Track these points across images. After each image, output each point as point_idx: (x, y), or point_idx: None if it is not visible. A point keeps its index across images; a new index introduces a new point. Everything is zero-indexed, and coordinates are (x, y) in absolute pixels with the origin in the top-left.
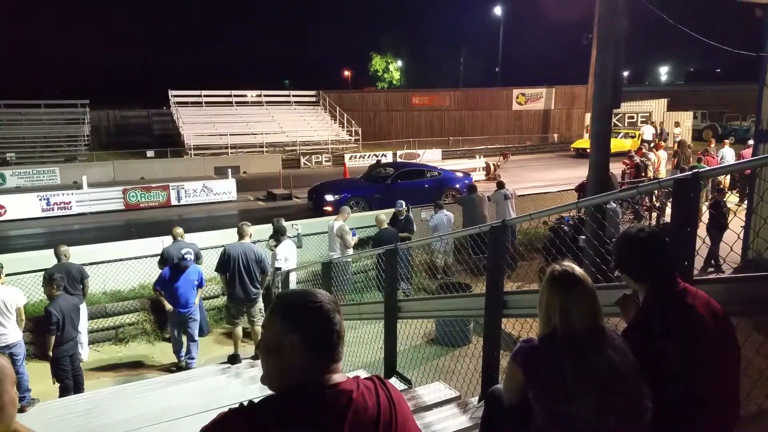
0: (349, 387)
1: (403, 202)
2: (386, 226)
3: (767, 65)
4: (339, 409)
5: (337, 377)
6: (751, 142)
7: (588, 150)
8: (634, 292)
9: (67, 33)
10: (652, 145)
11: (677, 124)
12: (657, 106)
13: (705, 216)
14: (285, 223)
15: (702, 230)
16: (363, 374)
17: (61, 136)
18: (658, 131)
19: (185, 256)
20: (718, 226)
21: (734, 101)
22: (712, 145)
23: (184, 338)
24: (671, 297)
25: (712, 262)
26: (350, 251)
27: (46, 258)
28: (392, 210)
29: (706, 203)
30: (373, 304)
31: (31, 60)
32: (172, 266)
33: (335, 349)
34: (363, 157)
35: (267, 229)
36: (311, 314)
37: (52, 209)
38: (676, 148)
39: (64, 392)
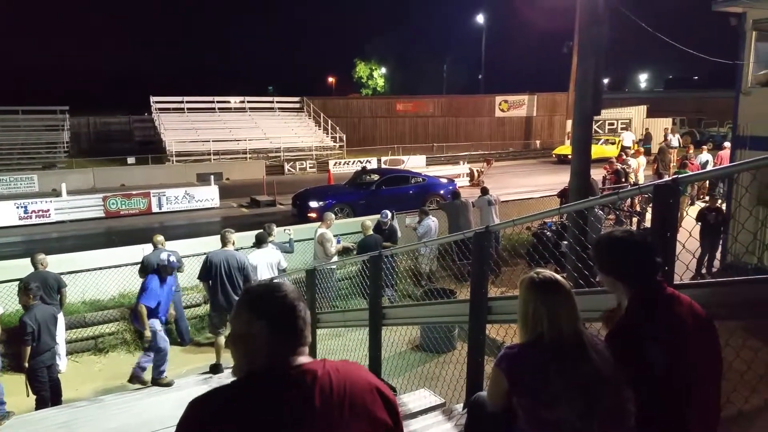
0: (314, 367)
1: (389, 213)
2: (371, 232)
3: (743, 73)
4: (304, 388)
5: (303, 359)
6: (726, 144)
7: (569, 156)
8: (619, 304)
9: (47, 38)
10: (632, 151)
11: (673, 131)
12: (637, 113)
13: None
14: (277, 228)
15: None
16: None
17: (39, 142)
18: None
19: (170, 259)
20: (707, 233)
21: (712, 108)
22: (691, 151)
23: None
24: (657, 301)
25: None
26: (334, 258)
27: (22, 267)
28: (377, 216)
29: (687, 207)
30: (357, 311)
31: (9, 65)
32: (158, 273)
33: (301, 332)
34: (347, 164)
35: (250, 237)
36: (276, 302)
37: (30, 217)
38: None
39: (40, 404)
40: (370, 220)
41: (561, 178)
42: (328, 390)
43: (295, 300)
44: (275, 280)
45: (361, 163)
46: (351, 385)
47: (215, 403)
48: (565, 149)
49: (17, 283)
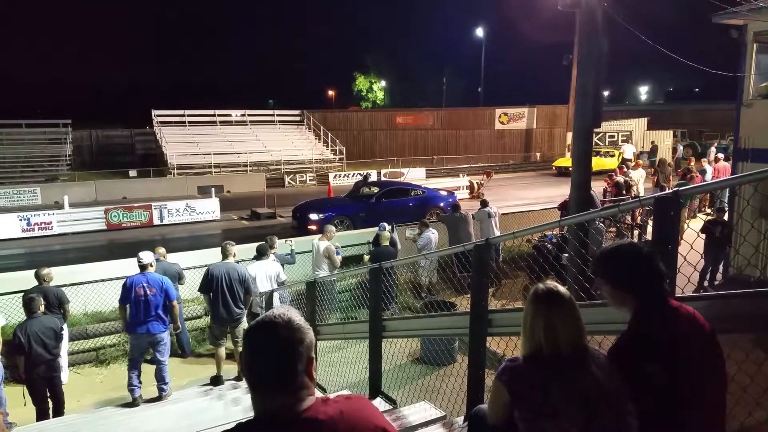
0: (315, 415)
1: (386, 225)
2: (387, 243)
3: (744, 85)
4: None
5: (304, 404)
6: (720, 155)
7: (569, 168)
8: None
9: (50, 52)
10: (632, 164)
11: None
12: (637, 125)
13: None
14: (279, 240)
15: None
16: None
17: (42, 155)
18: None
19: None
20: (711, 246)
21: (712, 120)
22: (692, 164)
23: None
24: (662, 314)
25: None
26: (335, 272)
27: (25, 279)
28: (383, 230)
29: (689, 219)
30: (358, 323)
31: (13, 79)
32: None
33: (287, 379)
34: (347, 176)
35: (251, 249)
36: (246, 342)
37: (33, 229)
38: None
39: (41, 416)
40: (388, 231)
41: (561, 191)
42: None
43: (281, 341)
44: (280, 307)
45: (361, 175)
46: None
47: None
48: (565, 161)
49: (20, 295)
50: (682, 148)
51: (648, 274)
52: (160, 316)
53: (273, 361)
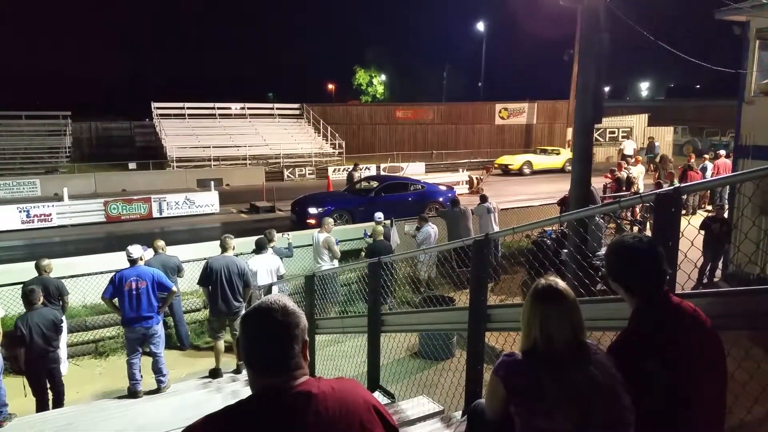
0: (308, 388)
1: (381, 215)
2: (382, 238)
3: (746, 82)
4: (298, 411)
5: (297, 381)
6: (722, 152)
7: (509, 166)
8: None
9: (50, 44)
10: (632, 160)
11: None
12: (638, 121)
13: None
14: (276, 234)
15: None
16: None
17: (42, 147)
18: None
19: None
20: (710, 243)
21: (714, 117)
22: (692, 160)
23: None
24: (662, 312)
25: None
26: (336, 262)
27: (25, 271)
28: (378, 222)
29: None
30: (356, 317)
31: (13, 71)
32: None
33: (269, 362)
34: (347, 170)
35: (250, 242)
36: (244, 326)
37: (32, 221)
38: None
39: (41, 407)
40: (382, 226)
41: (561, 187)
42: (323, 411)
43: (278, 325)
44: (274, 295)
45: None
46: (347, 405)
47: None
48: (507, 159)
49: (19, 287)
50: (657, 145)
51: (645, 271)
52: (153, 309)
53: (272, 343)
